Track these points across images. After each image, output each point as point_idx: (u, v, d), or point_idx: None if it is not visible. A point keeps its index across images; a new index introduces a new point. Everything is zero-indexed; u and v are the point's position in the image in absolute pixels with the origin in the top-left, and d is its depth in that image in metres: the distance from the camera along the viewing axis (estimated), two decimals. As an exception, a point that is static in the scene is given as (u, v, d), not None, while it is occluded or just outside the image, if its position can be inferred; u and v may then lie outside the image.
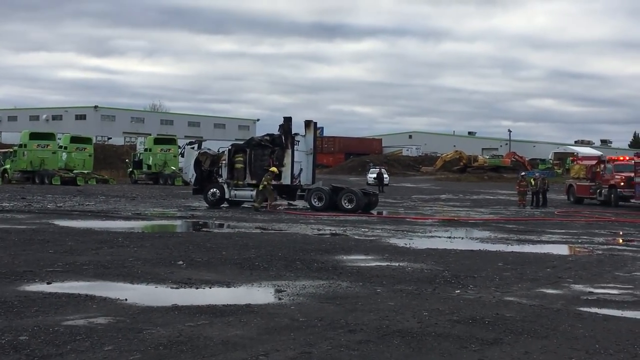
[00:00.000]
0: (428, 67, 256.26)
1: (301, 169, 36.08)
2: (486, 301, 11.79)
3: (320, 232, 23.82)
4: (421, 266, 15.78)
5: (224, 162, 36.32)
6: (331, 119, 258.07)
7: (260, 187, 33.78)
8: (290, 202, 37.69)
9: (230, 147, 36.55)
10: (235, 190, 35.48)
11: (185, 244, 18.54)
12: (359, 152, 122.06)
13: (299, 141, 36.09)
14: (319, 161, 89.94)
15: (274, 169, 34.57)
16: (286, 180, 35.37)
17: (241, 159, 35.65)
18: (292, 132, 35.94)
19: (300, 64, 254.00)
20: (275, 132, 36.37)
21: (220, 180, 36.13)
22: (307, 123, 36.92)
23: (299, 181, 35.87)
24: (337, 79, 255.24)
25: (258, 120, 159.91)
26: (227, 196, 35.67)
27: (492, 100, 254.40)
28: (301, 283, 13.19)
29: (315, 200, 34.44)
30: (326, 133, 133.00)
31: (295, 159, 35.52)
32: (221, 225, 26.16)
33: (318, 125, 40.54)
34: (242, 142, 38.71)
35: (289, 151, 35.39)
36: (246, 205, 36.28)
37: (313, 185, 35.99)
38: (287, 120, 36.10)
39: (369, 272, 14.64)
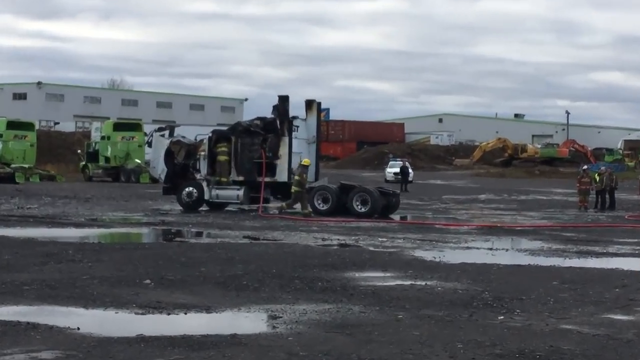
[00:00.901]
0: (462, 31, 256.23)
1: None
2: (537, 330, 11.79)
3: (326, 242, 23.82)
4: (454, 285, 15.77)
5: (202, 153, 36.28)
6: (339, 98, 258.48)
7: (295, 189, 33.54)
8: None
9: (210, 135, 36.55)
10: (217, 189, 35.47)
11: (153, 258, 18.54)
12: (375, 140, 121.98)
13: (298, 127, 36.09)
14: (324, 152, 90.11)
15: (307, 161, 34.57)
16: (282, 176, 35.34)
17: (225, 149, 35.61)
18: (290, 116, 35.93)
19: (299, 28, 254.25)
20: (268, 115, 36.35)
21: (198, 176, 36.13)
22: (309, 104, 36.92)
23: (299, 177, 35.84)
24: (346, 47, 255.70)
25: (246, 100, 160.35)
26: (206, 197, 35.67)
27: (545, 74, 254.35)
28: (301, 307, 13.19)
29: (319, 202, 34.45)
30: (333, 116, 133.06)
31: (293, 150, 35.51)
32: (199, 234, 26.15)
33: (323, 107, 40.52)
34: (225, 128, 38.69)
35: (286, 139, 35.37)
36: (231, 209, 36.28)
37: (316, 182, 35.98)
38: (283, 100, 36.08)
39: (388, 294, 14.64)
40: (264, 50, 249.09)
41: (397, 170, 70.55)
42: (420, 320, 12.36)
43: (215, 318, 12.50)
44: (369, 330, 11.53)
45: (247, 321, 12.31)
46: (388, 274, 17.27)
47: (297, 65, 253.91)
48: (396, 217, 34.88)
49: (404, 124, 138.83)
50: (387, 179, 72.36)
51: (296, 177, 33.84)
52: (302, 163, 34.34)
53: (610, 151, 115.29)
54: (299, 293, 14.54)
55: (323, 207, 34.30)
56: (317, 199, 34.46)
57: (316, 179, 36.48)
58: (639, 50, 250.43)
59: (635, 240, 26.33)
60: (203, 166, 36.03)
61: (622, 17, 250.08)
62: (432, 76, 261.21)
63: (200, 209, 35.69)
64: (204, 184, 35.69)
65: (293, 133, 35.68)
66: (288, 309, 13.02)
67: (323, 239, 24.53)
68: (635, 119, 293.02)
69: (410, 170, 65.99)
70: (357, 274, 17.10)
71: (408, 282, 16.04)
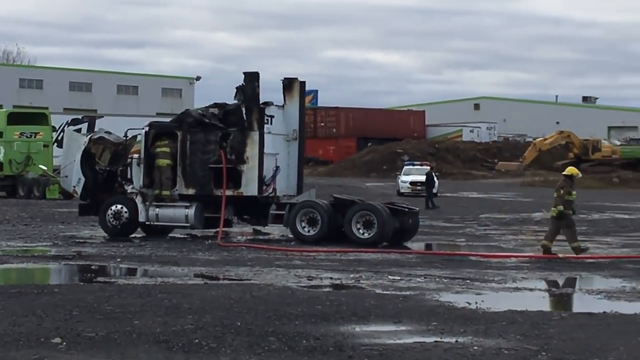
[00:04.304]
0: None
1: (277, 168, 36.10)
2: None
3: (313, 282, 23.87)
4: (498, 343, 15.82)
5: (135, 156, 36.31)
6: (329, 76, 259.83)
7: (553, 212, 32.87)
8: (258, 228, 37.69)
9: (147, 130, 36.55)
10: (158, 207, 35.46)
11: (65, 307, 18.52)
12: (383, 135, 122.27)
13: (272, 117, 36.09)
14: (311, 153, 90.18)
15: (572, 169, 33.68)
16: (250, 188, 35.31)
17: (167, 150, 35.62)
18: (261, 101, 35.95)
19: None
20: (230, 100, 36.43)
21: (129, 189, 36.14)
22: (288, 84, 36.93)
23: (274, 190, 35.90)
24: (338, 3, 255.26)
25: (198, 79, 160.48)
26: (142, 218, 35.66)
27: (624, 40, 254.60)
28: (278, 376, 13.23)
29: (303, 224, 34.50)
30: (323, 102, 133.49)
31: (266, 150, 35.52)
32: (132, 272, 26.15)
33: (308, 89, 40.50)
34: (168, 120, 38.68)
35: (255, 135, 35.36)
36: (177, 235, 36.24)
37: (300, 197, 36.04)
38: (252, 78, 36.07)
39: (403, 356, 14.68)
40: (218, 7, 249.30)
41: (417, 178, 70.65)
42: (448, 393, 12.40)
43: (155, 393, 12.51)
44: (375, 409, 11.55)
45: (201, 397, 12.32)
46: (402, 328, 17.30)
47: (266, 29, 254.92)
48: (414, 245, 34.91)
49: (424, 111, 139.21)
50: (402, 190, 72.51)
51: (554, 194, 32.83)
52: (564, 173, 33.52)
53: None
54: (274, 355, 14.57)
55: (309, 231, 34.34)
56: (300, 220, 34.43)
57: (299, 192, 36.51)
58: None
59: None
60: (136, 174, 35.99)
61: None
62: (461, 44, 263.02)
63: (133, 235, 35.69)
64: (138, 199, 35.65)
65: (265, 126, 35.66)
66: (259, 379, 13.05)
67: (309, 278, 24.55)
68: None
69: (435, 179, 66.13)
70: (357, 328, 17.13)
71: (431, 339, 16.06)
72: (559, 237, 31.48)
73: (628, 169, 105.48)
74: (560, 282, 24.88)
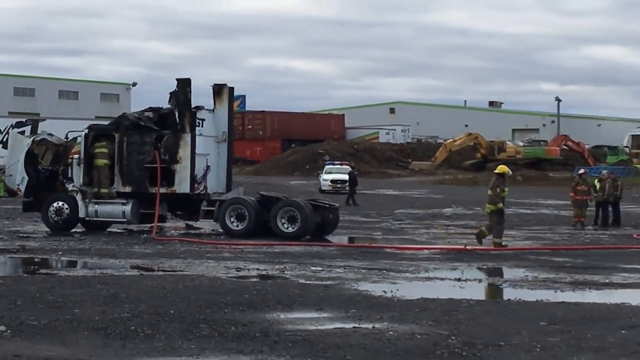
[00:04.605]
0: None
1: (208, 168, 36.02)
2: (520, 386, 11.88)
3: (242, 273, 23.82)
4: (411, 329, 15.84)
5: (75, 157, 36.09)
6: (257, 82, 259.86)
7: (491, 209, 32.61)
8: (190, 223, 37.57)
9: (86, 132, 36.33)
10: (96, 204, 35.26)
11: (10, 297, 18.35)
12: (307, 137, 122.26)
13: (203, 120, 36.00)
14: (239, 153, 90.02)
15: (503, 168, 33.68)
16: (182, 186, 35.20)
17: (105, 150, 35.44)
18: (193, 106, 35.84)
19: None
20: (164, 105, 36.27)
21: (70, 187, 35.89)
22: (218, 90, 36.83)
23: (205, 188, 35.80)
24: (263, 15, 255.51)
25: (134, 85, 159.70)
26: (81, 214, 35.43)
27: (524, 50, 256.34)
28: (209, 360, 13.18)
29: (232, 219, 34.44)
30: (250, 106, 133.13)
31: (197, 151, 35.42)
32: (72, 264, 25.95)
33: (236, 94, 40.45)
34: (107, 123, 38.44)
35: (187, 137, 35.25)
36: (115, 230, 36.04)
37: (229, 194, 35.96)
38: (184, 84, 35.94)
39: (324, 341, 14.66)
40: (151, 18, 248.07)
41: (338, 176, 70.89)
42: (366, 375, 12.39)
43: (94, 376, 12.42)
44: (298, 390, 11.53)
45: (137, 380, 12.24)
46: (324, 315, 17.30)
47: (196, 38, 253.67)
48: (335, 238, 34.92)
49: (343, 115, 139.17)
50: (323, 188, 72.44)
51: (489, 192, 32.73)
52: (496, 171, 33.33)
53: (613, 150, 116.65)
54: (205, 341, 14.51)
55: (238, 226, 34.28)
56: (229, 215, 34.39)
57: (228, 190, 36.44)
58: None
59: (647, 266, 26.73)
60: (77, 173, 35.76)
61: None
62: (376, 52, 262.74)
63: (74, 230, 35.46)
64: (79, 197, 35.44)
65: (197, 129, 35.57)
66: (191, 363, 12.99)
67: (237, 269, 24.51)
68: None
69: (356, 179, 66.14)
70: (282, 315, 17.11)
71: (350, 325, 16.07)
72: (469, 230, 31.54)
73: (530, 168, 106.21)
74: (469, 273, 24.96)
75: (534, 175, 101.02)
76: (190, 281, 21.68)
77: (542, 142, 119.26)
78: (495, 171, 33.01)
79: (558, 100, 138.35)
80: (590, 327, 16.09)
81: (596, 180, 44.58)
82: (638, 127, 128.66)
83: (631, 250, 31.64)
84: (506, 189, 32.00)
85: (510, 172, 34.68)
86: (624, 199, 46.52)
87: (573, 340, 15.00)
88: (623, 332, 15.77)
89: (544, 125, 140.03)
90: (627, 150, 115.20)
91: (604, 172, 50.37)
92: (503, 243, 31.62)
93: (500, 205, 31.57)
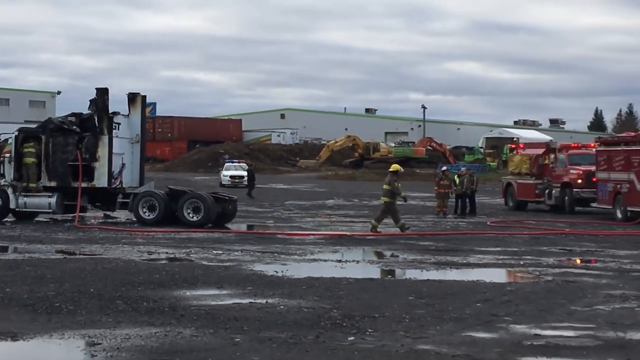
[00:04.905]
0: (301, 15, 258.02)
1: (123, 165, 35.75)
2: (392, 351, 11.95)
3: (153, 256, 23.63)
4: (299, 303, 15.86)
5: (7, 155, 35.67)
6: (166, 91, 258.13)
7: (385, 200, 32.62)
8: (107, 213, 37.27)
9: (16, 133, 35.89)
10: (25, 196, 34.83)
11: (-52, 278, 18.06)
12: (209, 139, 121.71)
13: (119, 124, 35.73)
14: (150, 153, 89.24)
15: (396, 166, 33.89)
16: (101, 181, 34.94)
17: (33, 150, 35.06)
18: (110, 111, 35.56)
19: (114, 11, 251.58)
20: (85, 110, 35.95)
21: (1, 182, 35.41)
22: (132, 98, 36.59)
23: (121, 183, 35.53)
24: (170, 33, 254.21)
25: (58, 93, 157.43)
26: (12, 205, 34.99)
27: (395, 64, 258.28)
28: (124, 332, 13.06)
29: (144, 210, 34.24)
30: (160, 112, 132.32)
31: (114, 150, 35.16)
32: (4, 249, 25.57)
33: (148, 101, 40.19)
34: (35, 126, 37.98)
35: (105, 138, 34.99)
36: (42, 219, 35.64)
37: (141, 188, 35.72)
38: (102, 93, 35.66)
39: (224, 314, 14.63)
40: (73, 35, 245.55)
41: (236, 172, 71.16)
42: (260, 343, 12.38)
43: (23, 347, 12.24)
44: (201, 357, 11.48)
45: (61, 349, 12.09)
46: (224, 292, 17.26)
47: (113, 53, 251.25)
48: (233, 226, 34.86)
49: (241, 120, 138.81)
50: (223, 183, 72.29)
51: (384, 186, 32.96)
52: (390, 170, 33.60)
53: (470, 150, 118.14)
54: (121, 315, 14.39)
55: (149, 215, 34.12)
56: (142, 206, 34.23)
57: (141, 184, 36.22)
58: (496, 37, 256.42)
59: (498, 249, 27.02)
60: (8, 170, 35.39)
61: (476, 0, 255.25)
62: (269, 66, 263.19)
63: (5, 219, 34.99)
64: (10, 190, 35.00)
65: (114, 131, 35.33)
66: (108, 334, 12.86)
67: (149, 253, 24.33)
68: (496, 114, 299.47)
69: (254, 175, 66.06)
70: (188, 292, 17.03)
71: (246, 301, 16.05)
72: (348, 218, 31.68)
73: (401, 166, 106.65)
74: (348, 255, 25.03)
75: (404, 171, 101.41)
76: (107, 263, 21.50)
77: (410, 143, 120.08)
78: (390, 169, 33.46)
79: (424, 107, 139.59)
80: (451, 301, 16.24)
81: (456, 176, 45.08)
82: (491, 131, 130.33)
83: (485, 236, 32.00)
84: (399, 185, 32.45)
85: (402, 170, 35.21)
86: (479, 191, 47.19)
87: (436, 312, 15.13)
88: (478, 304, 15.94)
89: (412, 128, 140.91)
90: (481, 150, 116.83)
91: (463, 168, 50.91)
92: (378, 229, 31.86)
93: (403, 198, 32.19)
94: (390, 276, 20.03)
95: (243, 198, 50.67)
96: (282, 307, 15.44)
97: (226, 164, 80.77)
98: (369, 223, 32.82)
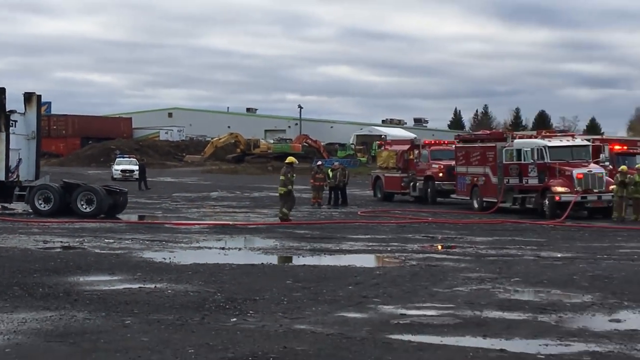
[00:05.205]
0: (185, 22, 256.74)
1: (20, 160, 35.18)
2: (271, 331, 11.96)
3: (48, 245, 23.22)
4: (185, 288, 15.78)
5: None
6: (60, 91, 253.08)
7: (283, 190, 32.50)
8: (5, 204, 36.59)
9: None
10: None
11: None
12: (101, 135, 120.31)
13: (16, 121, 35.15)
14: (46, 148, 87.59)
15: (291, 159, 34.12)
16: (-1, 175, 34.38)
17: None
18: (7, 110, 34.94)
19: (10, 16, 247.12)
20: (-17, 108, 35.26)
21: None
22: (28, 97, 35.98)
23: (17, 176, 34.95)
24: (63, 37, 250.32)
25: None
26: None
27: (274, 67, 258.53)
28: (20, 316, 12.84)
29: (40, 202, 33.73)
30: (55, 110, 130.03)
31: (11, 147, 34.58)
32: None
33: (43, 100, 39.55)
34: None
35: (3, 135, 34.40)
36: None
37: (37, 181, 35.17)
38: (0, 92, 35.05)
39: (115, 298, 14.47)
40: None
41: (127, 167, 70.95)
42: (149, 325, 12.28)
43: None
44: (94, 338, 11.35)
45: (-40, 333, 11.81)
46: (115, 278, 17.08)
47: (10, 55, 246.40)
48: (124, 217, 34.53)
49: (131, 118, 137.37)
50: (115, 176, 71.55)
51: (281, 177, 32.97)
52: (286, 162, 33.58)
53: (342, 146, 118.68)
54: (17, 300, 14.14)
55: (45, 207, 33.62)
56: (38, 198, 33.73)
57: (37, 177, 35.67)
58: (365, 43, 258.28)
59: (368, 236, 27.25)
60: None
61: (348, 9, 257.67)
62: (157, 69, 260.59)
63: None
64: None
65: (11, 128, 34.73)
66: (5, 319, 12.63)
67: (44, 242, 23.91)
68: (366, 114, 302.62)
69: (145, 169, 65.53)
70: (81, 279, 16.83)
71: (136, 286, 15.93)
72: (231, 209, 31.66)
73: (279, 160, 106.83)
74: (231, 243, 25.00)
75: (282, 166, 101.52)
76: (4, 252, 21.10)
77: (287, 140, 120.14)
78: (286, 162, 33.94)
79: (300, 107, 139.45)
80: (325, 284, 16.32)
81: (330, 170, 45.31)
82: (361, 129, 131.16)
83: (356, 224, 32.23)
84: (294, 176, 32.91)
85: (297, 162, 35.66)
86: (350, 184, 47.55)
87: (312, 294, 15.19)
88: (350, 287, 16.05)
89: (289, 127, 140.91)
90: (353, 146, 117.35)
91: (336, 163, 51.31)
92: (290, 217, 32.14)
93: (290, 187, 32.47)
94: (269, 262, 20.04)
95: (134, 191, 50.21)
96: (169, 291, 15.35)
97: (117, 159, 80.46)
98: (278, 214, 32.99)
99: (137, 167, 65.40)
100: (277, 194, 33.91)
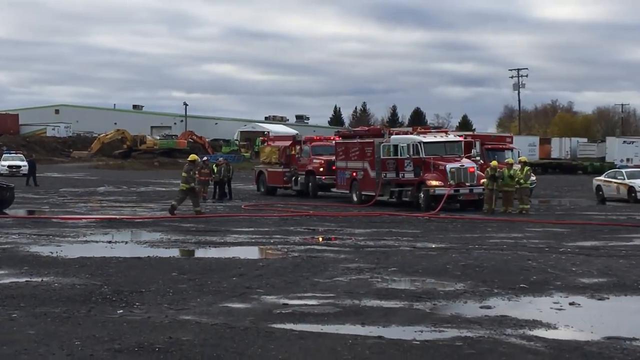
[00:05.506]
0: (72, 20, 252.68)
1: None
2: (157, 322, 11.87)
3: None
4: (72, 281, 15.56)
5: None
6: None
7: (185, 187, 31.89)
8: None
9: None
10: None
11: None
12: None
13: None
14: None
15: (193, 156, 33.78)
16: None
17: None
18: None
19: None
20: None
21: None
22: None
23: None
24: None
25: None
26: None
27: (159, 66, 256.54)
28: None
29: None
30: None
31: None
32: None
33: None
34: None
35: None
36: None
37: None
38: None
39: (2, 292, 14.21)
40: None
41: (14, 162, 69.99)
42: (36, 318, 12.08)
43: None
44: (-20, 332, 11.10)
45: None
46: (1, 272, 16.78)
47: None
48: (11, 211, 33.83)
49: (18, 115, 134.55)
50: (1, 172, 70.30)
51: (183, 174, 32.24)
52: (189, 159, 33.22)
53: (227, 142, 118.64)
54: None
55: None
56: None
57: None
58: (249, 43, 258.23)
59: (252, 229, 27.25)
60: None
61: (231, 10, 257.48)
62: (43, 66, 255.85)
63: None
64: None
65: None
66: None
67: None
68: (249, 111, 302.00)
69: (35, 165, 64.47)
70: (-32, 273, 16.44)
71: (23, 280, 15.66)
72: (118, 204, 31.27)
73: (165, 156, 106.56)
74: (118, 236, 24.70)
75: (168, 161, 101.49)
76: None
77: (173, 136, 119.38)
78: (188, 159, 33.90)
79: (185, 104, 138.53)
80: (210, 276, 16.27)
81: (214, 165, 45.13)
82: (245, 125, 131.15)
83: (240, 218, 32.21)
84: (196, 172, 33.68)
85: (199, 159, 35.74)
86: (234, 179, 47.50)
87: (197, 286, 15.14)
88: (234, 279, 16.03)
89: (175, 123, 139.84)
90: (237, 142, 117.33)
91: (220, 158, 51.18)
92: (176, 212, 32.22)
93: (193, 184, 32.44)
94: (156, 255, 19.88)
95: (21, 186, 49.26)
96: (56, 284, 15.11)
97: (4, 155, 79.11)
98: (170, 204, 32.93)
99: (24, 163, 64.41)
100: (176, 188, 33.83)
